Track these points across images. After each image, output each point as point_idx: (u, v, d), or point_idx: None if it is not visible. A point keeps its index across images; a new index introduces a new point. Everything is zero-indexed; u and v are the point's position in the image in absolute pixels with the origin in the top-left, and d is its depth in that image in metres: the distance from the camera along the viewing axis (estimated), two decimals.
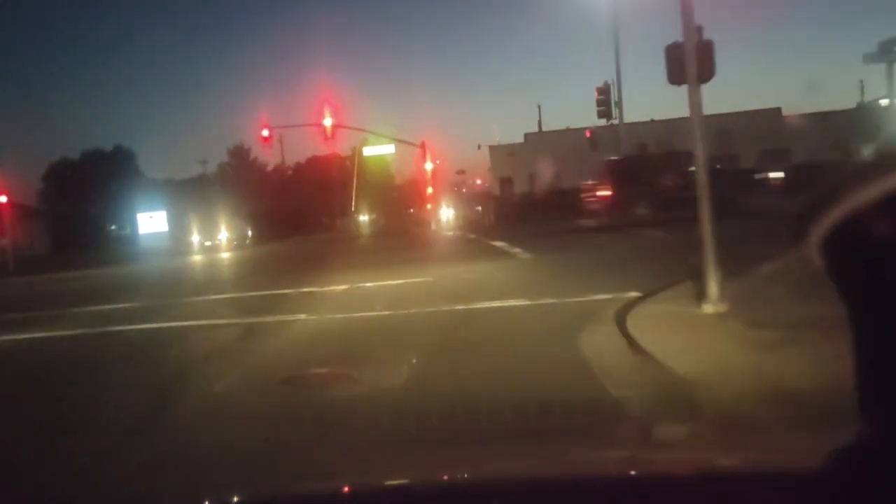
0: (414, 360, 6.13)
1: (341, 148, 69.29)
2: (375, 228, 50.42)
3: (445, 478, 1.65)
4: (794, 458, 1.47)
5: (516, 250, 16.31)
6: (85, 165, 52.14)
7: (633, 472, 1.54)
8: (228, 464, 3.61)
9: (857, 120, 37.71)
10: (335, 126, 37.17)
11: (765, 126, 44.07)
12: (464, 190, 61.54)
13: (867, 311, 0.89)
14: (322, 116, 36.95)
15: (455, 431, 3.94)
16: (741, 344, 5.57)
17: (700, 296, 7.00)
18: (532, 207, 33.27)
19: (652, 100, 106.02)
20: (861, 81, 51.92)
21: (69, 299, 13.57)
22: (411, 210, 66.00)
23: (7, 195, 30.71)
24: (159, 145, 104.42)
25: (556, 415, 4.01)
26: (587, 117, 45.56)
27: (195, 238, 37.31)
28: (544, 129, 49.61)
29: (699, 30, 6.69)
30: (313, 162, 69.92)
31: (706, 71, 6.73)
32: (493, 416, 4.06)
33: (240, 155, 61.78)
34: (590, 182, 24.10)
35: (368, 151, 41.31)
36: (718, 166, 18.26)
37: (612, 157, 23.48)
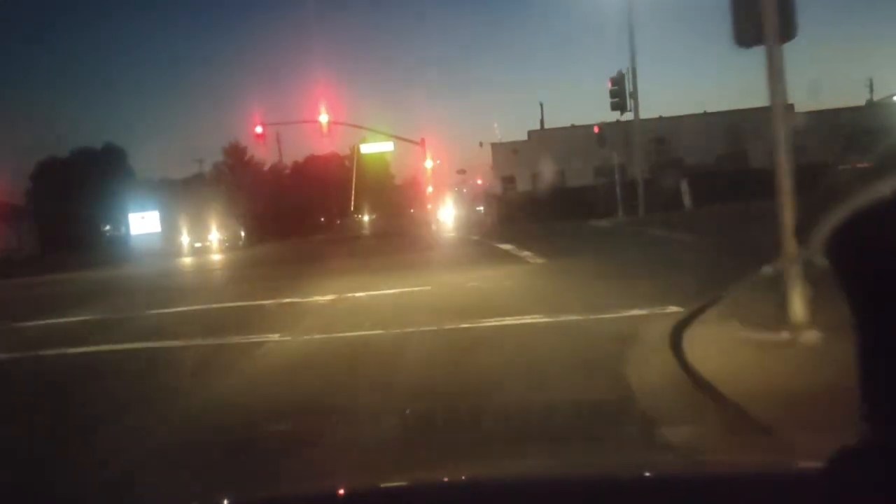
0: (407, 411, 4.55)
1: (340, 147, 68.05)
2: (374, 229, 48.91)
3: None
4: (799, 459, 1.50)
5: (525, 254, 14.70)
6: (74, 164, 50.46)
7: (637, 475, 1.49)
8: None
9: (869, 117, 36.63)
10: (331, 122, 35.84)
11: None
12: (464, 191, 60.31)
13: (872, 312, 0.89)
14: (318, 113, 35.71)
15: None
16: None
17: (774, 316, 5.40)
18: (537, 207, 31.89)
19: (654, 98, 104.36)
20: (870, 79, 50.98)
21: (20, 309, 12.01)
22: (412, 210, 64.66)
23: None
24: (154, 144, 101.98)
25: None
26: (590, 115, 44.38)
27: (184, 239, 35.77)
28: (546, 127, 48.01)
29: None
30: (312, 161, 68.52)
31: (789, 26, 5.14)
32: None
33: (235, 154, 60.10)
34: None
35: (366, 149, 39.74)
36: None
37: None
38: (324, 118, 35.33)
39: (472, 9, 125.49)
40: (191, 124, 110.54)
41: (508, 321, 7.37)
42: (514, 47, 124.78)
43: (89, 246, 43.00)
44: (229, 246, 34.93)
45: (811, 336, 4.93)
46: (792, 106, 43.21)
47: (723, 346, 5.28)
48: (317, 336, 7.40)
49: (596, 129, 29.24)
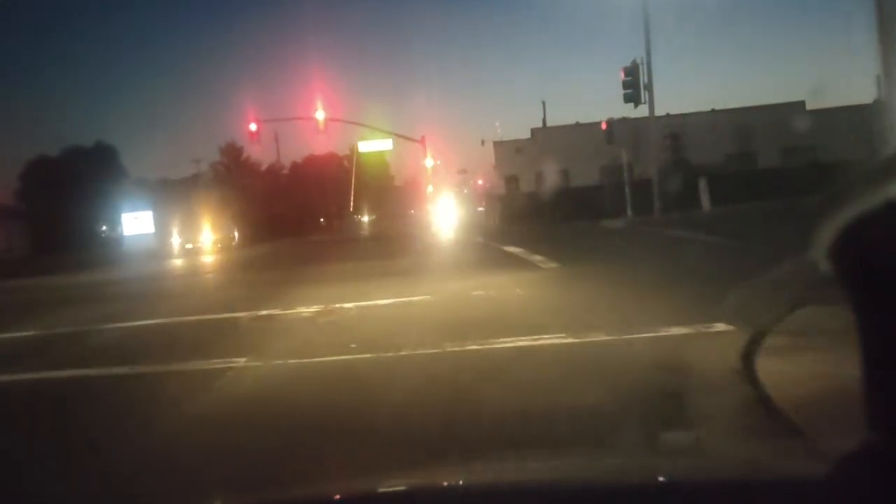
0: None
1: (340, 147, 66.81)
2: (373, 230, 47.63)
3: None
4: (803, 464, 1.46)
5: (536, 258, 13.32)
6: (65, 163, 49.08)
7: (638, 480, 1.45)
8: None
9: (880, 115, 35.44)
10: (328, 119, 34.63)
11: (787, 121, 41.06)
12: (465, 191, 59.24)
13: (878, 318, 0.88)
14: (314, 109, 34.49)
15: None
16: None
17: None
18: (542, 207, 30.67)
19: (659, 96, 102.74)
20: (878, 76, 49.66)
21: None
22: (412, 211, 63.45)
23: None
24: (151, 144, 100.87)
25: None
26: (592, 115, 42.76)
27: (175, 240, 34.41)
28: (549, 125, 46.59)
29: None
30: (310, 161, 67.36)
31: None
32: None
33: (231, 153, 58.75)
34: None
35: (364, 147, 38.43)
36: None
37: None
38: (320, 115, 34.19)
39: (473, 3, 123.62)
40: (189, 123, 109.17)
41: (525, 342, 6.04)
42: (515, 47, 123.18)
43: (82, 247, 41.74)
44: (222, 247, 33.58)
45: None
46: (803, 103, 42.17)
47: (817, 385, 3.92)
48: (291, 361, 6.04)
49: (604, 125, 27.87)
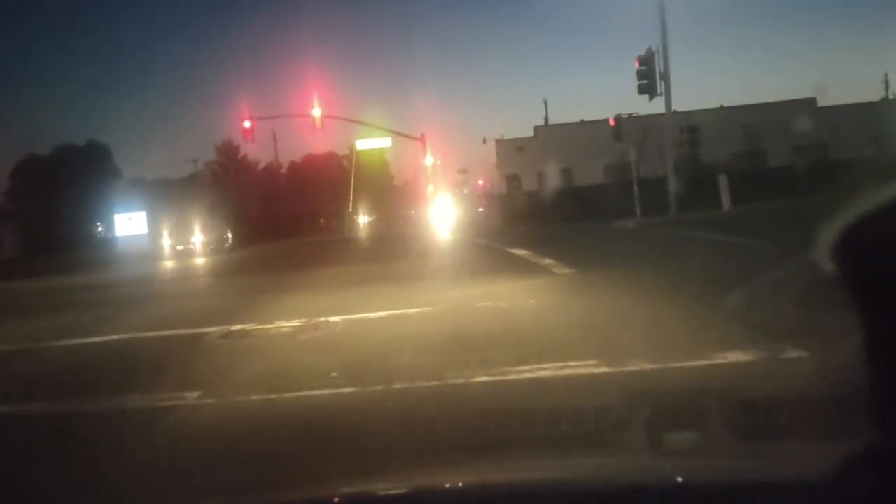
0: None
1: (339, 147, 65.58)
2: (372, 231, 46.46)
3: None
4: (806, 466, 1.40)
5: (547, 262, 12.06)
6: (56, 162, 47.80)
7: (640, 481, 1.45)
8: None
9: (889, 113, 35.08)
10: (325, 116, 33.49)
11: (797, 118, 39.87)
12: (465, 191, 58.25)
13: (881, 318, 0.86)
14: (311, 106, 33.36)
15: None
16: None
17: None
18: (545, 207, 29.58)
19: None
20: (886, 74, 48.92)
21: None
22: (411, 211, 62.30)
23: None
24: (147, 143, 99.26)
25: None
26: (594, 114, 41.76)
27: (165, 242, 33.13)
28: (552, 123, 45.37)
29: None
30: (309, 160, 66.17)
31: None
32: None
33: (227, 152, 57.52)
34: None
35: (363, 144, 37.25)
36: None
37: None
38: (317, 112, 33.07)
39: (472, 7, 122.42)
40: (185, 122, 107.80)
41: (547, 371, 4.84)
42: (518, 43, 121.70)
43: (75, 248, 40.49)
44: (214, 249, 32.32)
45: None
46: (814, 100, 41.06)
47: None
48: (255, 397, 4.79)
49: (611, 122, 26.61)
